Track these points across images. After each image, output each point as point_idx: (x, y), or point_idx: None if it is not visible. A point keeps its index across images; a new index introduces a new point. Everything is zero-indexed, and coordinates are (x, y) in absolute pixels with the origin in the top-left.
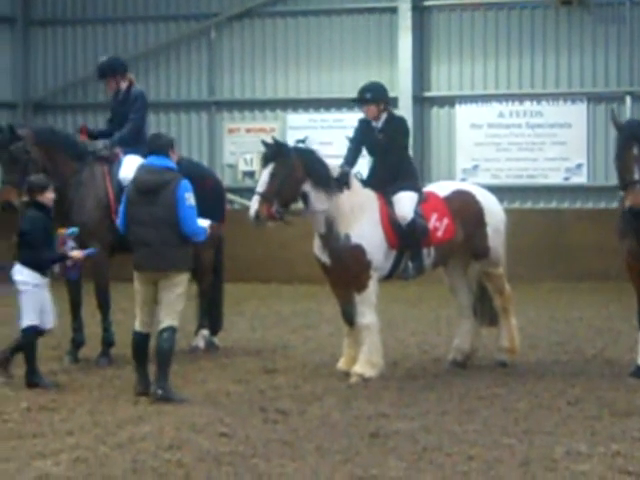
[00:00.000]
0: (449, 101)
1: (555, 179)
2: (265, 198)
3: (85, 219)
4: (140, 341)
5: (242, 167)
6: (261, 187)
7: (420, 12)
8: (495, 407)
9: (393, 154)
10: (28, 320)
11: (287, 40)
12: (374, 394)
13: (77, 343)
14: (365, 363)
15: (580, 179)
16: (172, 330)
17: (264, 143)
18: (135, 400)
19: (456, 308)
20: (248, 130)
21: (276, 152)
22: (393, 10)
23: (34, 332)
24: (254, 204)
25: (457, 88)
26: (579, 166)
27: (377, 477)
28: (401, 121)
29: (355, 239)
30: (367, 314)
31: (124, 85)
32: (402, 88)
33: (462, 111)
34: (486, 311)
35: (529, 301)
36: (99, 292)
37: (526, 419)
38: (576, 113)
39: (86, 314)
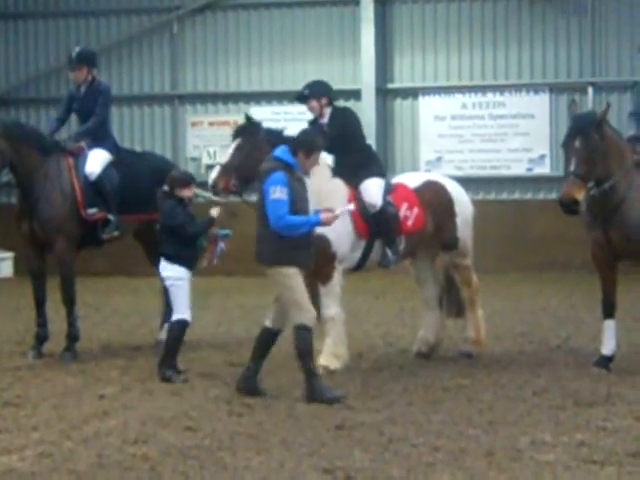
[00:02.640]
0: (412, 93)
1: (518, 170)
2: (225, 170)
3: (51, 213)
4: (265, 336)
5: (205, 160)
6: (224, 159)
7: (382, 4)
8: (460, 398)
9: (348, 145)
10: (180, 313)
11: (250, 33)
12: (339, 386)
13: (41, 338)
14: (330, 355)
15: (543, 170)
16: (299, 328)
17: (246, 116)
18: (100, 395)
19: (421, 300)
20: (211, 123)
21: (246, 128)
22: (355, 2)
23: (184, 325)
24: (213, 174)
25: (420, 80)
26: (542, 157)
27: (343, 469)
28: (346, 111)
29: (319, 229)
30: (331, 306)
31: (89, 78)
32: (365, 80)
33: (425, 103)
34: (453, 302)
35: (493, 292)
36: (65, 287)
37: (491, 410)
38: (539, 104)
39: (50, 309)
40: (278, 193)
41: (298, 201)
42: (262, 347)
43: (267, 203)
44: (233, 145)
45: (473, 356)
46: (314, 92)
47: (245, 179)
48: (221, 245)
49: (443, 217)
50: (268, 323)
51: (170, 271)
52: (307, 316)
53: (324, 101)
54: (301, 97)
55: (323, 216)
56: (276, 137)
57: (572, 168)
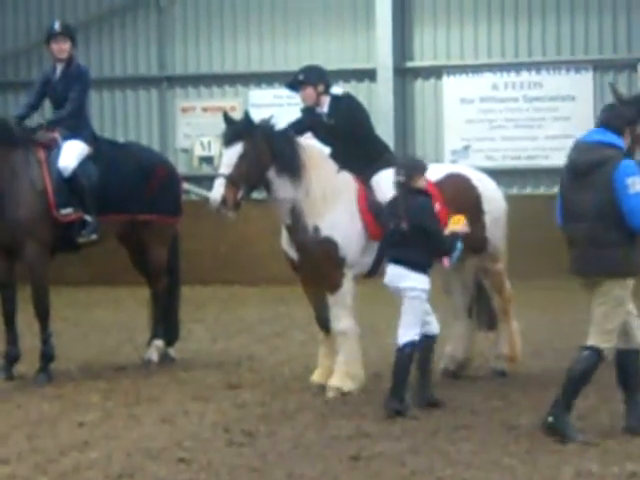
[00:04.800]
0: (435, 72)
1: (558, 160)
2: (233, 182)
3: (19, 214)
4: (624, 360)
5: (198, 152)
6: (227, 169)
7: None
8: (493, 423)
9: (355, 138)
10: (411, 334)
11: (249, 6)
12: (354, 411)
13: (11, 358)
14: (343, 375)
15: None
16: (592, 352)
17: (227, 119)
18: (79, 422)
19: (448, 310)
20: (205, 109)
21: (246, 130)
22: None
23: (413, 348)
24: (219, 188)
25: (444, 57)
26: None
27: None
28: (349, 99)
29: (325, 231)
30: (342, 318)
31: (67, 58)
32: (381, 58)
33: (450, 84)
34: (484, 313)
35: (530, 301)
36: (37, 298)
37: (529, 436)
38: (581, 84)
39: (21, 324)
40: (638, 185)
41: None
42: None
43: (626, 198)
44: (233, 151)
45: (507, 374)
46: (309, 78)
47: (252, 188)
48: (457, 244)
49: (469, 215)
50: (622, 344)
51: (416, 281)
52: (608, 340)
53: (321, 88)
54: (294, 84)
55: None
56: (276, 137)
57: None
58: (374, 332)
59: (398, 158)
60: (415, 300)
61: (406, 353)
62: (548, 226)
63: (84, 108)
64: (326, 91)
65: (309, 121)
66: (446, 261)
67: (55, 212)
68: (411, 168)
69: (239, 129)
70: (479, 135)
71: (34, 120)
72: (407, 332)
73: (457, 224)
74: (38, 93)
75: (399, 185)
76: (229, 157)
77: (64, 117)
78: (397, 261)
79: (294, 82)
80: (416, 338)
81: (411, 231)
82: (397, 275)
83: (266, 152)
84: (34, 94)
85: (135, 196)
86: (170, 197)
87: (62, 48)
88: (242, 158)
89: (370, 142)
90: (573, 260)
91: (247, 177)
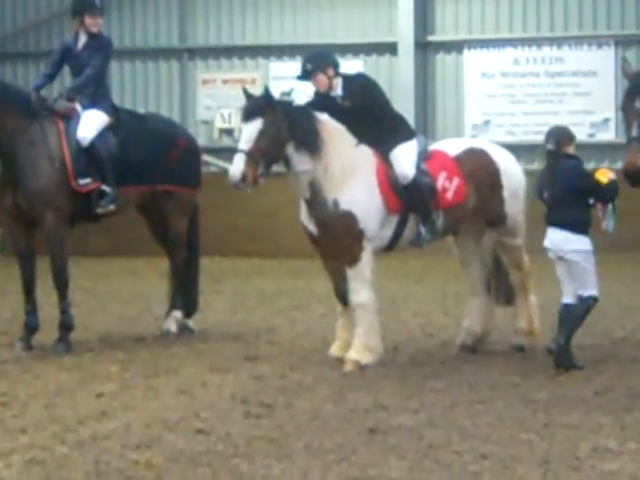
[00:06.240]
0: (456, 46)
1: (579, 135)
2: (252, 158)
3: (37, 184)
4: None
5: (219, 124)
6: (246, 144)
7: None
8: (511, 398)
9: (372, 117)
10: (592, 290)
11: None
12: (372, 384)
13: (30, 327)
14: (361, 348)
15: (607, 135)
16: None
17: (247, 94)
18: (98, 392)
19: (466, 284)
20: (225, 81)
21: (265, 105)
22: None
23: (593, 303)
24: (238, 164)
25: (465, 31)
26: (606, 121)
27: (376, 478)
28: (361, 77)
29: (344, 205)
30: (361, 291)
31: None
32: (402, 32)
33: (471, 58)
34: (502, 288)
35: (549, 276)
36: (56, 268)
37: (547, 411)
38: (602, 59)
39: (41, 294)
40: None
41: None
42: None
43: None
44: (253, 127)
45: (525, 349)
46: (318, 65)
47: (271, 164)
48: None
49: (488, 189)
50: None
51: (579, 243)
52: None
53: (330, 72)
54: (304, 74)
55: None
56: (296, 113)
57: (635, 133)
58: (392, 306)
59: (550, 128)
60: (584, 262)
61: (585, 306)
62: None
63: (104, 77)
64: (336, 73)
65: (323, 104)
66: (609, 225)
67: (73, 182)
68: (560, 136)
69: (259, 104)
70: (500, 110)
71: (53, 90)
72: (587, 289)
73: (605, 173)
74: (56, 63)
75: (549, 153)
76: (249, 133)
77: (83, 83)
78: (558, 224)
79: (303, 73)
80: (596, 294)
81: (568, 194)
82: (560, 239)
83: (285, 128)
84: (52, 64)
85: (155, 167)
86: (190, 169)
87: (97, 22)
88: (262, 134)
89: (388, 118)
90: None
91: (266, 153)
